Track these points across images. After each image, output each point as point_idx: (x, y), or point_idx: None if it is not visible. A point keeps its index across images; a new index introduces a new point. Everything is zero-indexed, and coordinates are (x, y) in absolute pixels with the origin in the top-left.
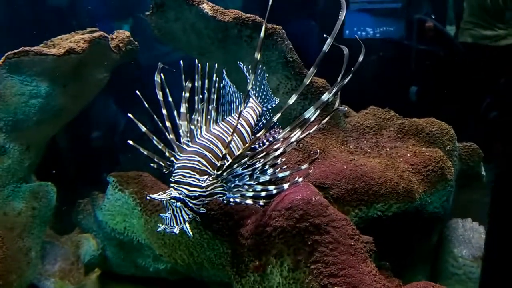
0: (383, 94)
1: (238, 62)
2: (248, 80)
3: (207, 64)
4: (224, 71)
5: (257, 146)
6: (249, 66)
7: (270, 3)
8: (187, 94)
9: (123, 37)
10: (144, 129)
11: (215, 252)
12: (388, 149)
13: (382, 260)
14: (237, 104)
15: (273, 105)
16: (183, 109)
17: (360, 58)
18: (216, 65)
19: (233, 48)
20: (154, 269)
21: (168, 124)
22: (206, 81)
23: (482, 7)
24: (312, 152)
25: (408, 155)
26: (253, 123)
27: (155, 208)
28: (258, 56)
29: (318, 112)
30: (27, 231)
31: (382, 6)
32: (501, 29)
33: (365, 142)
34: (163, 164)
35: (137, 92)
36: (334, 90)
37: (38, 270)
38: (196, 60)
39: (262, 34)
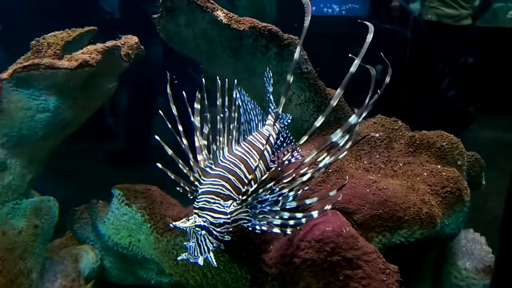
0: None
1: (267, 71)
2: (269, 93)
3: (226, 80)
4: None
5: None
6: (269, 75)
7: (307, 22)
8: (199, 106)
9: (132, 43)
10: (170, 152)
11: (232, 275)
12: (401, 164)
13: None
14: (256, 122)
15: (288, 121)
16: (196, 122)
17: (387, 80)
18: (235, 81)
19: (246, 57)
20: (157, 282)
21: (185, 141)
22: (226, 98)
23: None
24: (330, 170)
25: (425, 174)
26: (273, 141)
27: (166, 227)
28: (291, 79)
29: (346, 136)
30: (28, 251)
31: None
32: (464, 8)
33: (378, 156)
34: (188, 189)
35: (160, 111)
36: (362, 113)
37: None
38: (219, 79)
39: (296, 56)
